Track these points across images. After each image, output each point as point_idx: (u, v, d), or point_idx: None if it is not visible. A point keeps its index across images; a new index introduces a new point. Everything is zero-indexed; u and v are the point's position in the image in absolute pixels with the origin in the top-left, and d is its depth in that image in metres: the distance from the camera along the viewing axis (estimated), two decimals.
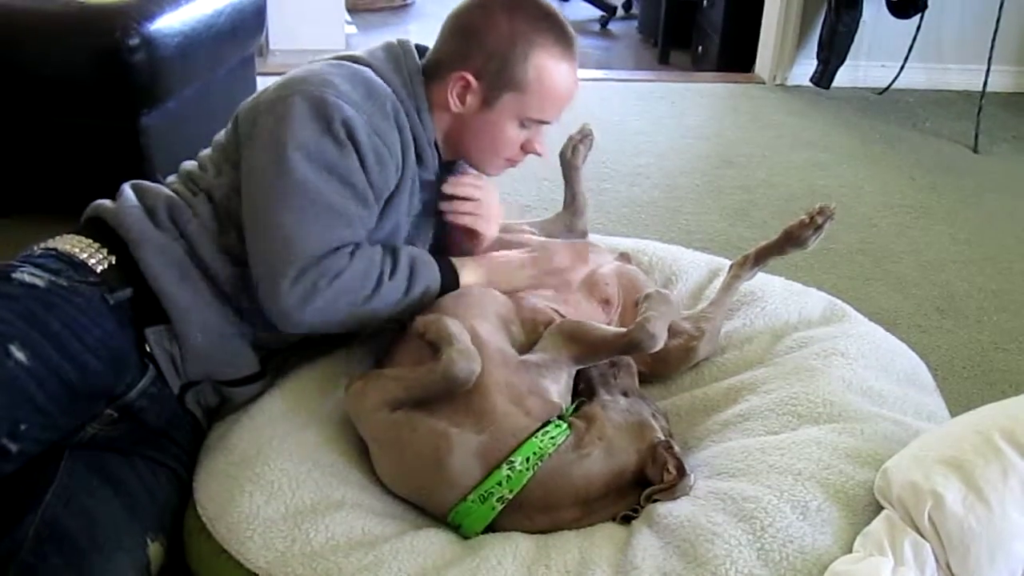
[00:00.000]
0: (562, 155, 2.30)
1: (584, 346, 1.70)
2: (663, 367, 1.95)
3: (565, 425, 1.60)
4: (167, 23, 2.66)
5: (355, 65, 1.73)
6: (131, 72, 2.58)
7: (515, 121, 1.76)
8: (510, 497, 1.53)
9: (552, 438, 1.57)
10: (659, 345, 1.67)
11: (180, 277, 1.63)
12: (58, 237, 1.67)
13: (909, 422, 1.70)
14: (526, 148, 1.82)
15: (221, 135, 1.78)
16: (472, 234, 1.89)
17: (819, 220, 1.99)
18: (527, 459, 1.54)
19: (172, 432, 1.70)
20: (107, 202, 1.72)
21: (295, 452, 1.63)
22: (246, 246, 1.63)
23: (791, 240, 2.04)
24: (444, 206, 1.86)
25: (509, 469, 1.53)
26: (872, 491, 1.49)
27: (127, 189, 1.73)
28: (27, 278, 1.54)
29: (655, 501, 1.56)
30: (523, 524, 1.56)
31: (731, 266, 2.12)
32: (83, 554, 1.45)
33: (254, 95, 1.74)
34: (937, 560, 1.37)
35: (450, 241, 1.93)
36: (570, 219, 2.28)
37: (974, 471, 1.39)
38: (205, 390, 1.72)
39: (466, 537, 1.56)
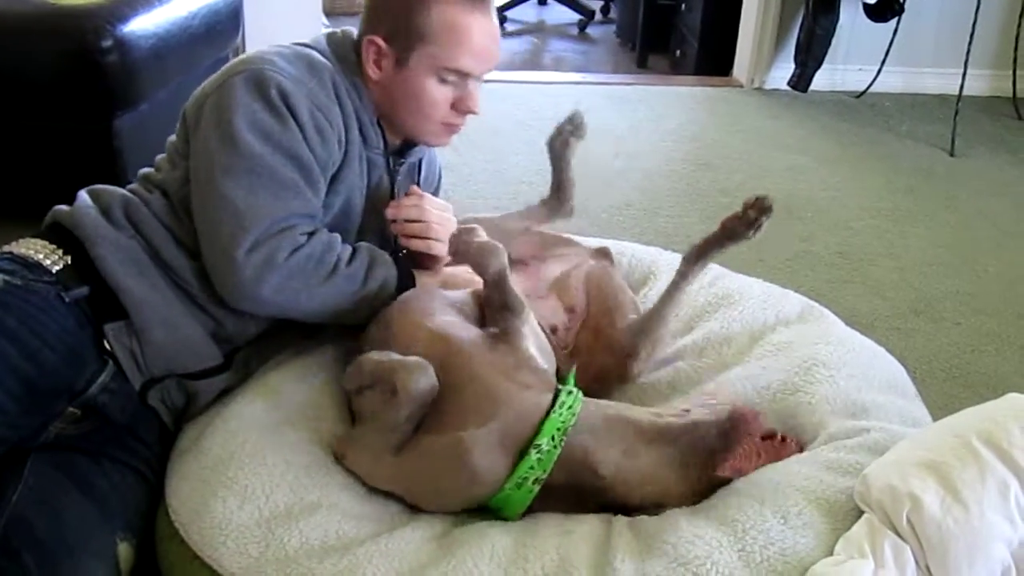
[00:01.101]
0: (551, 145, 2.18)
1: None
2: (599, 385, 1.88)
3: (576, 391, 1.59)
4: (140, 25, 2.64)
5: (297, 46, 1.76)
6: (104, 74, 2.55)
7: (433, 76, 1.74)
8: (544, 476, 1.52)
9: (570, 408, 1.55)
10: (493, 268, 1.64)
11: (138, 272, 1.63)
12: (14, 242, 1.67)
13: (895, 429, 1.69)
14: (459, 107, 1.78)
15: (173, 135, 1.79)
16: (426, 257, 1.83)
17: (752, 215, 1.82)
18: (552, 438, 1.52)
19: (138, 431, 1.68)
20: (64, 207, 1.72)
21: (269, 455, 1.61)
22: (197, 229, 1.63)
23: (726, 233, 1.88)
24: (394, 228, 1.82)
25: (537, 453, 1.52)
26: (853, 497, 1.49)
27: (83, 194, 1.73)
28: None
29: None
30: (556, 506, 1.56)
31: (680, 265, 2.00)
32: (52, 555, 1.43)
33: (199, 87, 1.76)
34: (917, 562, 1.37)
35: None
36: (556, 203, 2.19)
37: (951, 473, 1.39)
38: (169, 387, 1.69)
39: (507, 519, 1.57)
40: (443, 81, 1.75)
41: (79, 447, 1.61)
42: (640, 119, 4.19)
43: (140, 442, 1.68)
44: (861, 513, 1.45)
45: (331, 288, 1.65)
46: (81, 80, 2.57)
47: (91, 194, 1.73)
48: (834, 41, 4.46)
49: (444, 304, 1.72)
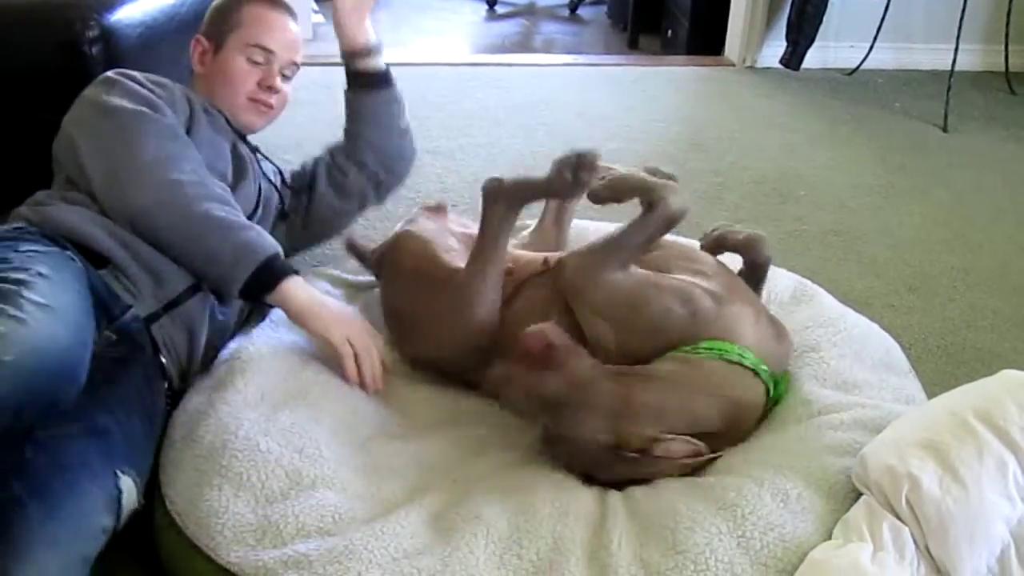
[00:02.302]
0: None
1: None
2: None
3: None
4: (128, 14, 2.61)
5: None
6: (91, 65, 2.52)
7: (242, 55, 2.10)
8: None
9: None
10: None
11: (93, 223, 1.80)
12: None
13: (888, 407, 1.70)
14: (263, 83, 2.11)
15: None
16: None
17: (568, 177, 1.73)
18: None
19: (151, 379, 1.76)
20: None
21: (262, 440, 1.62)
22: (95, 188, 1.84)
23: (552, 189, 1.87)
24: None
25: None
26: (851, 478, 1.49)
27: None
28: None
29: None
30: None
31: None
32: (45, 479, 1.41)
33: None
34: (916, 543, 1.37)
35: None
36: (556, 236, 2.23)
37: (949, 452, 1.39)
38: (166, 326, 1.80)
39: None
40: (251, 60, 2.10)
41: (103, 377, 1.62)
42: (632, 100, 4.17)
43: (149, 390, 1.73)
44: (859, 494, 1.45)
45: (202, 209, 1.79)
46: (68, 71, 2.54)
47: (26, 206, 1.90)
48: (825, 18, 4.44)
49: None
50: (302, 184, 2.33)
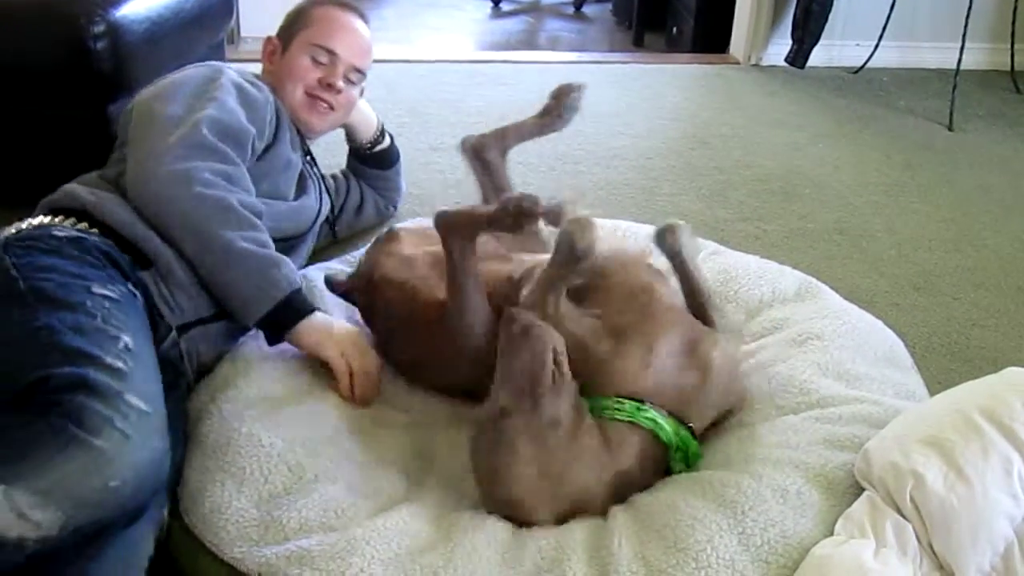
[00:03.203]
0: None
1: None
2: None
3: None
4: (133, 9, 2.62)
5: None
6: (96, 60, 2.53)
7: (306, 55, 2.15)
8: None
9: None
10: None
11: (145, 224, 1.78)
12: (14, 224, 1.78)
13: (888, 402, 1.69)
14: (323, 81, 2.16)
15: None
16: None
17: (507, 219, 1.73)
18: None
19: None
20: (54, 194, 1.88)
21: (265, 436, 1.63)
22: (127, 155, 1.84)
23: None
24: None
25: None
26: (852, 473, 1.48)
27: (65, 187, 1.89)
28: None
29: None
30: None
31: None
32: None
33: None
34: (919, 541, 1.36)
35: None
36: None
37: (954, 450, 1.39)
38: (195, 338, 1.81)
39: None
40: (315, 60, 2.16)
41: None
42: (637, 98, 4.17)
43: (177, 411, 1.71)
44: (861, 489, 1.45)
45: (219, 222, 1.76)
46: (73, 66, 2.55)
47: (74, 183, 1.88)
48: (831, 16, 4.43)
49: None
50: (338, 197, 2.52)
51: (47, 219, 1.78)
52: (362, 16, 2.25)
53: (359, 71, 2.22)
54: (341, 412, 1.75)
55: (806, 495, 1.47)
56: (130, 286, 1.69)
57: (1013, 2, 4.47)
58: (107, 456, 1.33)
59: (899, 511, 1.38)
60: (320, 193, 2.26)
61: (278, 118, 2.07)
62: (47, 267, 1.60)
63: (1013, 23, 4.51)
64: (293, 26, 2.19)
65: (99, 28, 2.50)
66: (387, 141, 2.57)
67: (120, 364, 1.46)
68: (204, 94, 1.93)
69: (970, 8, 4.06)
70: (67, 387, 1.37)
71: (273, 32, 2.29)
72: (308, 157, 2.25)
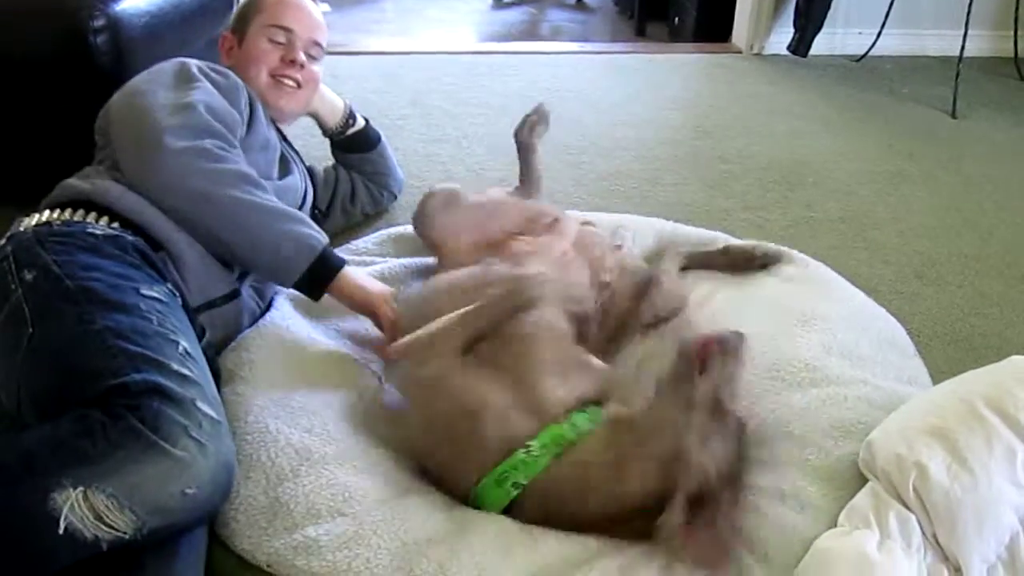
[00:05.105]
0: (517, 134, 2.38)
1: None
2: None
3: (598, 412, 1.55)
4: (133, 3, 2.61)
5: None
6: (96, 54, 2.52)
7: (263, 38, 2.19)
8: (524, 483, 1.48)
9: (573, 425, 1.52)
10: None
11: (156, 211, 1.78)
12: (31, 215, 1.77)
13: (891, 387, 1.69)
14: (285, 58, 2.19)
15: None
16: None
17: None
18: (544, 445, 1.49)
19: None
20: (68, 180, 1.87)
21: (272, 421, 1.64)
22: (119, 154, 1.83)
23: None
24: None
25: (526, 453, 1.49)
26: (856, 464, 1.48)
27: (67, 181, 1.87)
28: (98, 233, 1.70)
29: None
30: (541, 517, 1.48)
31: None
32: None
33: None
34: (924, 532, 1.36)
35: None
36: (525, 192, 2.36)
37: (958, 440, 1.39)
38: (203, 323, 1.80)
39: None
40: (272, 41, 2.19)
41: None
42: (639, 88, 4.16)
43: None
44: (864, 480, 1.45)
45: (237, 191, 1.77)
46: (72, 60, 2.54)
47: (76, 178, 1.88)
48: (833, 4, 4.42)
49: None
50: (327, 189, 2.54)
51: (65, 214, 1.75)
52: None
53: (318, 44, 2.27)
54: (346, 402, 1.75)
55: (810, 488, 1.47)
56: (169, 286, 1.70)
57: None
58: (184, 464, 1.34)
59: (903, 502, 1.38)
60: (303, 174, 2.27)
61: (251, 100, 2.09)
62: (91, 266, 1.59)
63: (1016, 9, 4.49)
64: (246, 16, 2.25)
65: (99, 22, 2.49)
66: (360, 123, 2.58)
67: (186, 371, 1.46)
68: (184, 82, 1.93)
69: None
70: (143, 392, 1.38)
71: None
72: (285, 142, 2.26)
